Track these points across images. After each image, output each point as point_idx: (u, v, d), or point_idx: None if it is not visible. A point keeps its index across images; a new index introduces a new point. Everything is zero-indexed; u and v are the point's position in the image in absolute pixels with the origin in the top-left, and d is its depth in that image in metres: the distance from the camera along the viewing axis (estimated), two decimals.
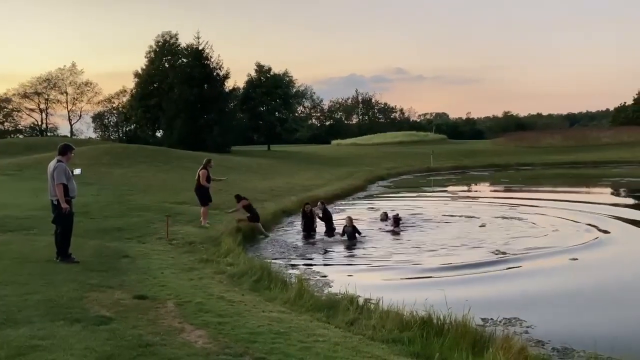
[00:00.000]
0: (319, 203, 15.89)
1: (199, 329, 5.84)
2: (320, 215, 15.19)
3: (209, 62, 51.90)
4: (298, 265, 11.51)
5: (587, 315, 7.95)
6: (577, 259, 11.23)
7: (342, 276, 10.32)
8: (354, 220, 14.44)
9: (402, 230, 15.19)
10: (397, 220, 15.57)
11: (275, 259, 11.98)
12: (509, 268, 10.72)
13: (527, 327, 7.13)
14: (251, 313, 6.70)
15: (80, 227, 12.82)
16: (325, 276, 10.35)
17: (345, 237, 13.97)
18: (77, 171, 9.41)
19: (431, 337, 5.94)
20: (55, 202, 8.72)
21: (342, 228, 14.35)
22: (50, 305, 6.31)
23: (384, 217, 16.59)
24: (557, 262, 11.16)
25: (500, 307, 7.79)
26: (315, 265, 11.76)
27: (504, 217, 17.41)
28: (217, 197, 17.37)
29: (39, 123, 76.87)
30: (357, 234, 14.01)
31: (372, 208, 20.70)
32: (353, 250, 13.03)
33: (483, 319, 7.34)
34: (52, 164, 8.83)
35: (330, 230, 14.86)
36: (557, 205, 19.87)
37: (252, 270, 9.04)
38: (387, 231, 15.18)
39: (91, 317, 5.96)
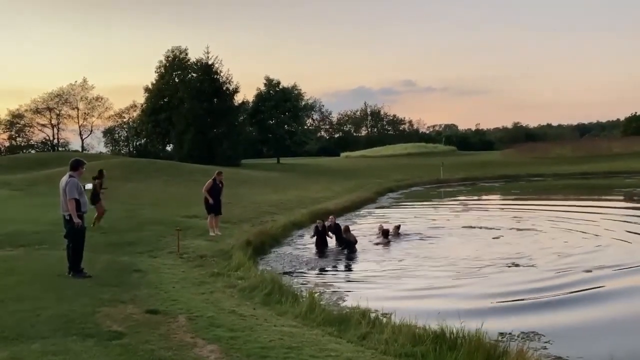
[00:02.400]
0: (330, 217, 15.88)
1: (211, 344, 5.83)
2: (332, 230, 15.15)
3: (218, 76, 52.33)
4: (309, 278, 11.46)
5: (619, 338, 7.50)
6: None
7: (354, 289, 10.27)
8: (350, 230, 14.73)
9: (394, 242, 15.20)
10: (386, 233, 15.58)
11: (287, 272, 11.96)
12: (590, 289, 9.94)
13: (546, 342, 7.02)
14: (263, 327, 6.68)
15: (91, 242, 12.84)
16: (337, 289, 10.27)
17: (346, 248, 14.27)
18: (89, 186, 9.49)
19: (444, 351, 5.87)
20: (68, 217, 8.77)
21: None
22: (62, 320, 6.32)
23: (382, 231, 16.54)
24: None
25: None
26: (327, 278, 11.72)
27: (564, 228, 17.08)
28: (225, 211, 17.43)
29: (51, 138, 77.71)
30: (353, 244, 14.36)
31: (386, 220, 20.65)
32: (365, 263, 12.94)
33: (501, 333, 7.24)
34: (64, 179, 8.89)
35: (341, 243, 14.80)
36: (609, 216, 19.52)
37: (263, 284, 9.02)
38: (379, 243, 15.14)
39: (104, 332, 5.96)
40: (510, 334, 7.25)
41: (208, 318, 6.90)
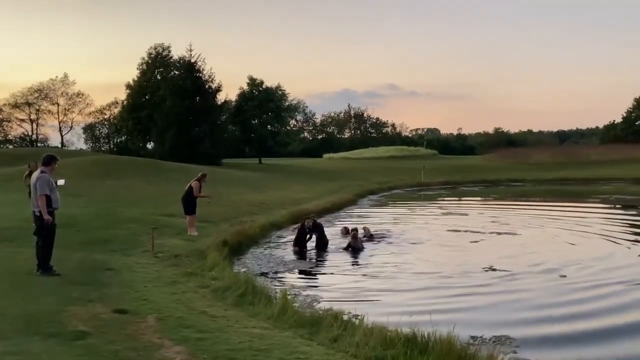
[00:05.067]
0: (310, 216, 15.77)
1: (178, 345, 5.73)
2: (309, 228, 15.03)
3: (201, 74, 51.88)
4: (285, 280, 11.39)
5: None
6: None
7: (329, 291, 10.25)
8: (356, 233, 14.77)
9: (366, 244, 15.10)
10: (353, 237, 15.51)
11: (263, 273, 11.87)
12: None
13: (516, 346, 7.05)
14: (233, 329, 6.59)
15: (66, 239, 12.61)
16: (313, 291, 10.23)
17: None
18: (61, 182, 9.28)
19: (415, 355, 5.84)
20: (38, 214, 8.58)
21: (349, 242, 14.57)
22: (27, 319, 6.16)
23: (345, 232, 16.45)
24: None
25: None
26: (303, 279, 11.67)
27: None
28: (204, 210, 17.28)
29: (30, 133, 76.48)
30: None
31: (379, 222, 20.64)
32: (345, 265, 12.90)
33: (472, 337, 7.26)
34: (36, 174, 8.70)
35: (321, 244, 14.71)
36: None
37: (236, 285, 8.92)
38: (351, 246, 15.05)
39: (68, 332, 5.82)
40: (481, 337, 7.26)
41: (177, 318, 6.79)
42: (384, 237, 16.47)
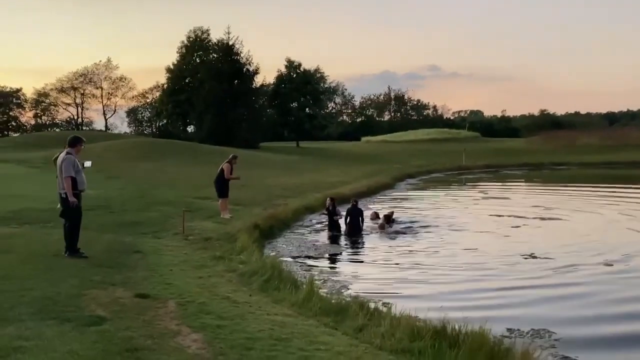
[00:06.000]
0: (328, 200, 15.33)
1: (195, 332, 5.52)
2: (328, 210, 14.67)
3: (238, 57, 51.94)
4: (315, 265, 11.10)
5: None
6: None
7: (360, 277, 9.91)
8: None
9: (395, 230, 14.69)
10: (388, 218, 15.25)
11: (293, 257, 11.64)
12: None
13: (555, 340, 6.55)
14: (255, 316, 6.35)
15: (97, 221, 12.75)
16: (342, 277, 9.90)
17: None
18: (88, 164, 9.19)
19: (443, 348, 5.46)
20: (64, 196, 8.53)
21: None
22: (45, 303, 6.07)
23: (375, 217, 16.00)
24: None
25: None
26: (333, 264, 11.39)
27: None
28: (238, 193, 17.19)
29: (75, 117, 78.61)
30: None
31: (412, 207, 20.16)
32: (379, 252, 12.32)
33: (509, 329, 6.80)
34: (61, 156, 8.64)
35: (353, 228, 14.35)
36: None
37: (263, 269, 8.69)
38: (382, 231, 14.63)
39: (84, 317, 5.69)
40: (518, 330, 6.79)
41: (199, 304, 6.60)
42: (415, 222, 15.88)
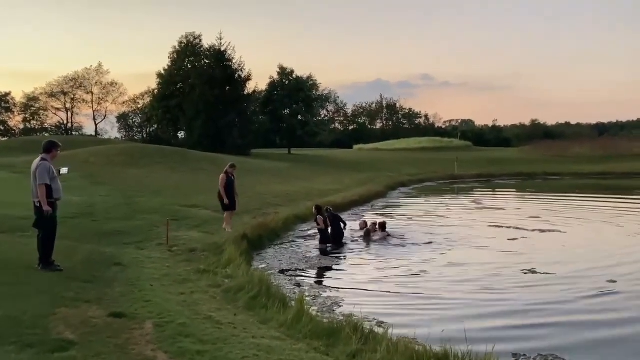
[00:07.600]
0: (326, 208, 14.88)
1: (172, 359, 4.99)
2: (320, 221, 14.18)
3: (230, 63, 51.36)
4: (306, 278, 10.56)
5: None
6: None
7: (354, 293, 9.35)
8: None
9: (386, 240, 14.26)
10: (382, 226, 14.88)
11: (283, 270, 11.10)
12: None
13: None
14: (239, 339, 5.82)
15: (79, 230, 12.18)
16: (334, 292, 9.33)
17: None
18: (64, 170, 8.66)
19: None
20: (38, 204, 7.98)
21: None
22: (7, 324, 5.51)
23: (364, 226, 15.52)
24: None
25: None
26: (325, 279, 10.85)
27: None
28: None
29: (65, 122, 77.59)
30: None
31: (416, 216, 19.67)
32: (373, 265, 11.81)
33: (514, 355, 6.31)
34: (35, 162, 8.10)
35: (337, 235, 13.98)
36: None
37: (250, 285, 8.15)
38: (375, 240, 14.26)
39: (49, 341, 5.14)
40: (524, 355, 6.30)
41: (178, 325, 6.06)
42: (409, 232, 15.41)
